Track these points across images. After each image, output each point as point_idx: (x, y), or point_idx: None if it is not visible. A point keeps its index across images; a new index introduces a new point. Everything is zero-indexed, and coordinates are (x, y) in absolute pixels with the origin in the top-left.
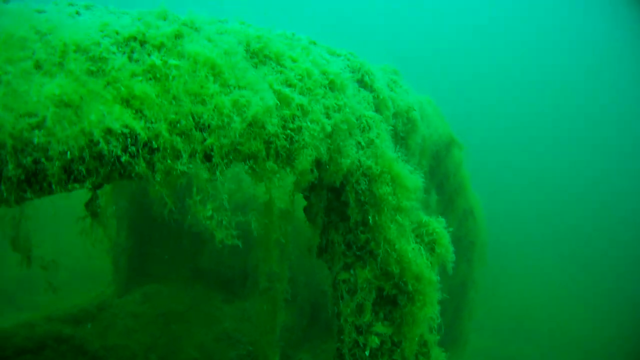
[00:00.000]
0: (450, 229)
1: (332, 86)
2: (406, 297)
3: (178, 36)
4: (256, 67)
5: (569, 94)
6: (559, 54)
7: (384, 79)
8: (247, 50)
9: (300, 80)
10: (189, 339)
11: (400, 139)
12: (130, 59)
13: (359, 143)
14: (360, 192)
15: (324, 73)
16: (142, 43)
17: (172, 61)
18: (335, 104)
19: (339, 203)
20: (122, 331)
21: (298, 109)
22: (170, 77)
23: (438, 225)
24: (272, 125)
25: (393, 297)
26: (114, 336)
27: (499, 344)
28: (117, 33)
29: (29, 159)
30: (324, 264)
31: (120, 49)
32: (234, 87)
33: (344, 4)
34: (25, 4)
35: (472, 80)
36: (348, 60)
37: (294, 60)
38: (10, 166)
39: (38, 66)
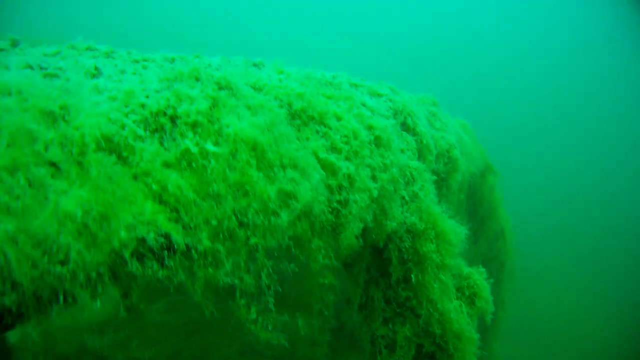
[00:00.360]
0: (491, 280)
1: (378, 142)
2: (446, 355)
3: (214, 106)
4: (299, 130)
5: (569, 94)
6: (559, 54)
7: (422, 112)
8: (289, 112)
9: (347, 142)
10: (213, 350)
11: (441, 180)
12: (160, 141)
13: (403, 198)
14: (403, 249)
15: (369, 128)
16: (174, 119)
17: (210, 147)
18: (382, 162)
19: (380, 260)
20: (145, 342)
21: (345, 179)
22: (209, 170)
23: (479, 277)
24: (319, 203)
25: (431, 353)
26: (136, 347)
27: (504, 348)
28: (143, 106)
29: (53, 313)
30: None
31: (148, 129)
32: (279, 168)
33: (344, 4)
34: (36, 65)
35: (472, 80)
36: (390, 101)
37: (338, 118)
38: (34, 332)
39: (52, 165)
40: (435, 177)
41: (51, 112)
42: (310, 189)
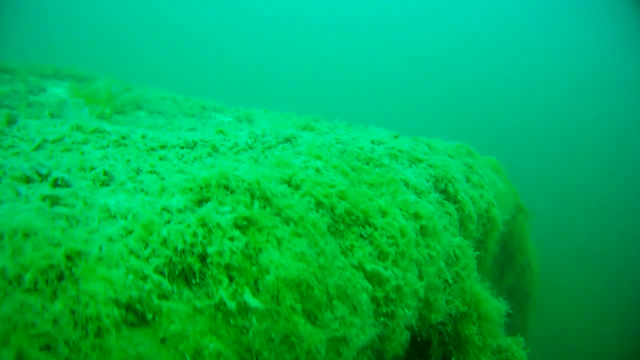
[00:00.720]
0: (528, 350)
1: (424, 232)
2: None
3: (248, 229)
4: (343, 236)
5: (570, 94)
6: (559, 55)
7: (459, 167)
8: (332, 218)
9: (393, 243)
10: None
11: (479, 242)
12: (189, 287)
13: (446, 280)
14: (444, 333)
15: (415, 217)
16: (203, 257)
17: (249, 299)
18: (428, 255)
19: (421, 342)
20: None
21: (393, 290)
22: (250, 334)
23: (517, 349)
24: (369, 328)
25: None
26: None
27: None
28: (166, 243)
29: None
30: None
31: (173, 273)
32: (326, 305)
33: (343, 4)
34: (34, 172)
35: (470, 81)
36: (430, 167)
37: (383, 214)
38: None
39: (66, 344)
40: (477, 253)
41: (55, 268)
42: (361, 327)
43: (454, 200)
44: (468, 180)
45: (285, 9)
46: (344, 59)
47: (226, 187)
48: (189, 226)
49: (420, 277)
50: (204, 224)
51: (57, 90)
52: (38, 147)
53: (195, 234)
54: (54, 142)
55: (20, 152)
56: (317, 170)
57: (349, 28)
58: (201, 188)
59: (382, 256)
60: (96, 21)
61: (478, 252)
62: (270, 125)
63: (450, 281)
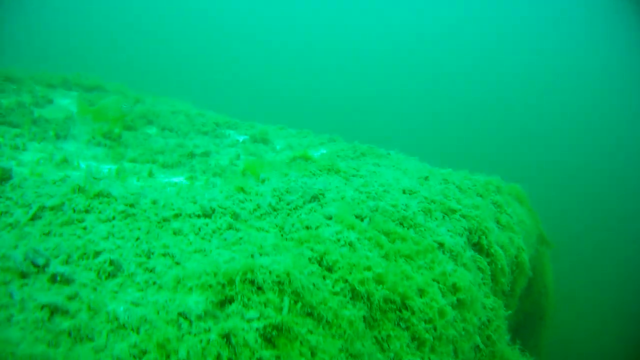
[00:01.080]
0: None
1: (461, 305)
2: None
3: (279, 341)
4: (379, 326)
5: (570, 95)
6: (558, 54)
7: (488, 207)
8: (369, 308)
9: (432, 327)
10: None
11: (509, 292)
12: None
13: (477, 346)
14: None
15: (453, 288)
16: None
17: None
18: (464, 329)
19: None
20: None
21: None
22: None
23: None
24: None
25: None
26: None
27: None
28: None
29: None
30: None
31: None
32: None
33: (341, 4)
34: (30, 260)
35: (469, 80)
36: (464, 217)
37: (421, 292)
38: None
39: None
40: (509, 312)
41: None
42: None
43: (487, 254)
44: (497, 221)
45: (295, 17)
46: (351, 65)
47: (252, 282)
48: (210, 343)
49: (456, 355)
50: (228, 342)
51: (65, 102)
52: (34, 217)
53: (219, 357)
54: (52, 209)
55: (14, 223)
56: (351, 244)
57: (355, 32)
58: (223, 286)
59: (420, 344)
60: (105, 23)
61: (509, 311)
62: (293, 161)
63: (482, 346)
